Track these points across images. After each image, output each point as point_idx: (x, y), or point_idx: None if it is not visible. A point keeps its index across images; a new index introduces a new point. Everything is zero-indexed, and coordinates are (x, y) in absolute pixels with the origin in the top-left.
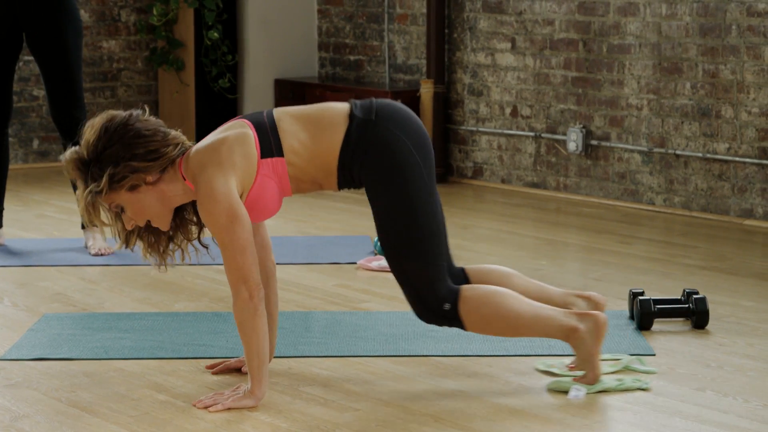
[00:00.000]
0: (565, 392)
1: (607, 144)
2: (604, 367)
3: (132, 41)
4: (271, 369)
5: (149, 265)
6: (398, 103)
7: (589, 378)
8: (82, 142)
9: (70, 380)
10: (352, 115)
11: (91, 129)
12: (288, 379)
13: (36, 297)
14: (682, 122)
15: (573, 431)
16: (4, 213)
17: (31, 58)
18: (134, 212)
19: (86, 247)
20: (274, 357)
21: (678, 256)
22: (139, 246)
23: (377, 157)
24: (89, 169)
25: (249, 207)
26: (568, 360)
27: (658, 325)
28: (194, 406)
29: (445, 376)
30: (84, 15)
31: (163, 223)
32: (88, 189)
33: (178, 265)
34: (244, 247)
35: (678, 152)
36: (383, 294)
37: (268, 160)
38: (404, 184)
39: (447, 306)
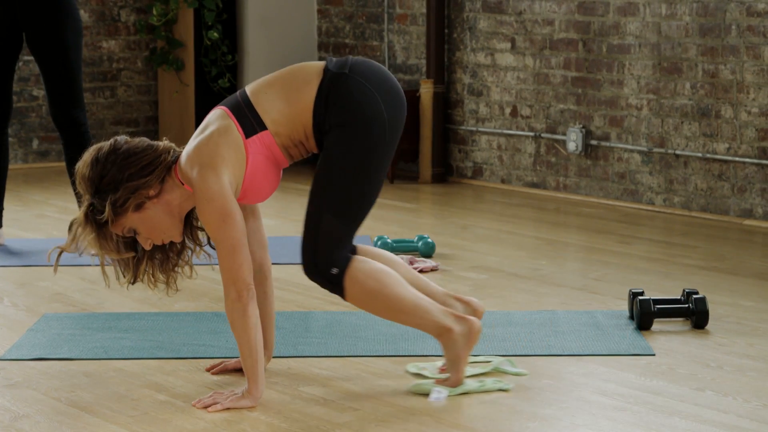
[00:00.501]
0: (426, 394)
1: (607, 144)
2: (475, 368)
3: (132, 41)
4: (271, 369)
5: (158, 290)
6: (375, 62)
7: (452, 381)
8: (78, 182)
9: (69, 380)
10: (326, 70)
11: (83, 166)
12: (287, 378)
13: (36, 297)
14: (682, 122)
15: (572, 431)
16: (4, 213)
17: (30, 58)
18: (147, 231)
19: None
20: (274, 357)
21: (678, 256)
22: (145, 278)
23: (345, 107)
24: (92, 201)
25: (249, 187)
26: (439, 362)
27: (657, 325)
28: (193, 406)
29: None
30: (84, 15)
31: (177, 234)
32: (96, 222)
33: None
34: (234, 246)
35: (678, 152)
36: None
37: (254, 137)
38: (366, 139)
39: (335, 270)
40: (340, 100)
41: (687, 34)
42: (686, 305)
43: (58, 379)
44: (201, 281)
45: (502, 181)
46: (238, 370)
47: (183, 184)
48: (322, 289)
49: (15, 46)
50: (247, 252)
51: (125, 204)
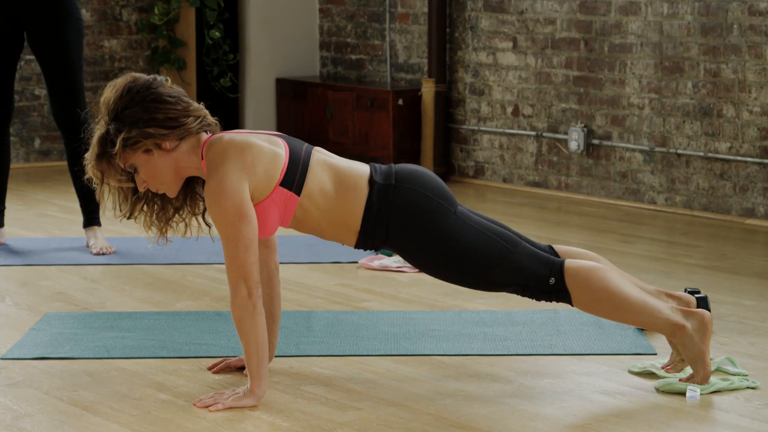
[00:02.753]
0: (677, 393)
1: (609, 143)
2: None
3: (133, 40)
4: (273, 368)
5: (150, 237)
6: (416, 166)
7: (701, 377)
8: (102, 100)
9: (71, 379)
10: (372, 181)
11: (112, 88)
12: (289, 378)
13: (37, 296)
14: (684, 121)
15: (573, 431)
16: (6, 212)
17: (32, 57)
18: (146, 174)
19: (88, 246)
20: (276, 356)
21: (679, 255)
22: (141, 217)
23: (402, 218)
24: (108, 126)
25: None
26: (659, 361)
27: None
28: (195, 405)
29: (447, 376)
30: (85, 14)
31: (171, 190)
32: (104, 149)
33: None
34: (247, 245)
35: (679, 151)
36: (384, 293)
37: (285, 191)
38: (434, 225)
39: (552, 280)
40: (394, 212)
41: (689, 33)
42: None
43: (60, 378)
44: (202, 280)
45: (504, 181)
46: (240, 369)
47: (202, 158)
48: (324, 289)
49: (16, 45)
50: (257, 251)
51: (135, 145)
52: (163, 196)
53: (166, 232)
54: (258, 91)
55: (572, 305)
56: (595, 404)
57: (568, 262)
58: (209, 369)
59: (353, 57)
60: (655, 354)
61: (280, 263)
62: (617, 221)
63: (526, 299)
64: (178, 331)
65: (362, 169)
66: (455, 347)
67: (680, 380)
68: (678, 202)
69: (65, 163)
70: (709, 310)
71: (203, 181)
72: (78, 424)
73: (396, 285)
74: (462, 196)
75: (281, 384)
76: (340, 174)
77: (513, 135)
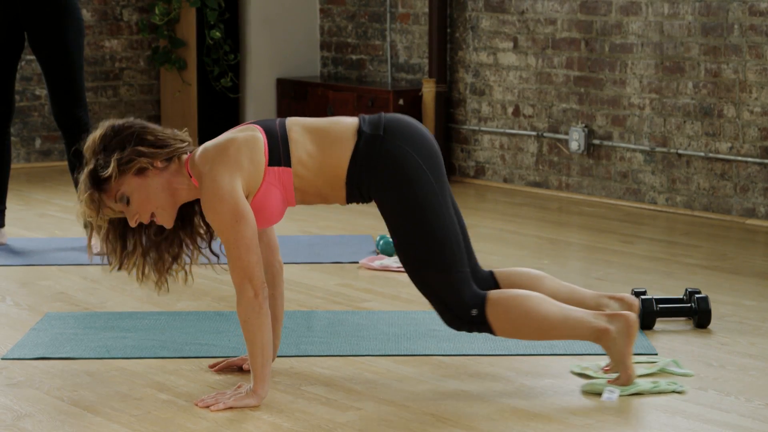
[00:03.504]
0: (599, 394)
1: (610, 143)
2: (639, 369)
3: (134, 40)
4: (273, 368)
5: (149, 287)
6: (406, 117)
7: (623, 379)
8: (86, 147)
9: (72, 379)
10: (360, 131)
11: (97, 129)
12: (290, 378)
13: (38, 296)
14: (684, 122)
15: (575, 431)
16: (6, 212)
17: (32, 57)
18: (140, 201)
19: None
20: (277, 356)
21: (680, 255)
22: (134, 270)
23: (386, 172)
24: (96, 159)
25: (254, 212)
26: (603, 362)
27: (660, 324)
28: (196, 405)
29: (448, 376)
30: (86, 14)
31: (168, 217)
32: (95, 177)
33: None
34: (249, 245)
35: (680, 151)
36: (385, 293)
37: (275, 168)
38: (414, 196)
39: (474, 312)
40: (380, 165)
41: (689, 33)
42: (689, 305)
43: (61, 378)
44: (203, 280)
45: (505, 181)
46: (241, 368)
47: (190, 176)
48: (324, 289)
49: (17, 45)
50: (259, 251)
51: (129, 164)
52: (158, 245)
53: (163, 282)
54: (259, 91)
55: (495, 335)
56: (596, 404)
57: (491, 294)
58: (210, 367)
59: (354, 57)
60: (656, 354)
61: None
62: (618, 221)
63: None
64: (179, 331)
65: (349, 121)
66: (456, 347)
67: (608, 381)
68: (678, 202)
69: (66, 163)
70: (709, 310)
71: (200, 212)
72: (78, 424)
73: (397, 285)
74: (463, 196)
75: (282, 384)
76: (322, 131)
77: (513, 135)
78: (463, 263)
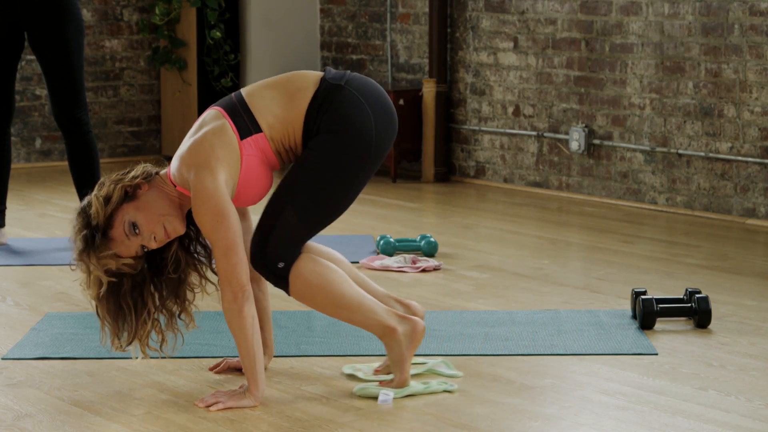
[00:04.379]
0: (373, 397)
1: (610, 143)
2: (410, 369)
3: (134, 40)
4: (273, 368)
5: (150, 356)
6: (372, 80)
7: (397, 382)
8: (72, 238)
9: (72, 379)
10: (323, 79)
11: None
12: (290, 378)
13: (38, 296)
14: (685, 121)
15: (575, 430)
16: (7, 212)
17: (33, 57)
18: (146, 218)
19: None
20: (276, 356)
21: (680, 255)
22: (137, 344)
23: (335, 115)
24: (82, 221)
25: (243, 189)
26: (376, 364)
27: (660, 324)
28: (196, 405)
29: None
30: (86, 14)
31: (178, 223)
32: (95, 228)
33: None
34: (229, 247)
35: (680, 151)
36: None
37: (248, 139)
38: (351, 148)
39: (281, 264)
40: (332, 109)
41: (690, 33)
42: (689, 304)
43: (61, 378)
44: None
45: (505, 181)
46: (240, 369)
47: (176, 186)
48: None
49: (17, 45)
50: (242, 252)
51: (112, 194)
52: (166, 304)
53: (166, 342)
54: None
55: (289, 294)
56: (596, 404)
57: (303, 255)
58: (210, 369)
59: (354, 57)
60: (656, 354)
61: None
62: (618, 221)
63: (528, 299)
64: (179, 331)
65: (312, 73)
66: (456, 347)
67: (379, 383)
68: (679, 202)
69: (66, 163)
70: (709, 310)
71: (197, 240)
72: (79, 424)
73: (397, 285)
74: (463, 196)
75: (282, 384)
76: (281, 85)
77: (514, 135)
78: (314, 233)
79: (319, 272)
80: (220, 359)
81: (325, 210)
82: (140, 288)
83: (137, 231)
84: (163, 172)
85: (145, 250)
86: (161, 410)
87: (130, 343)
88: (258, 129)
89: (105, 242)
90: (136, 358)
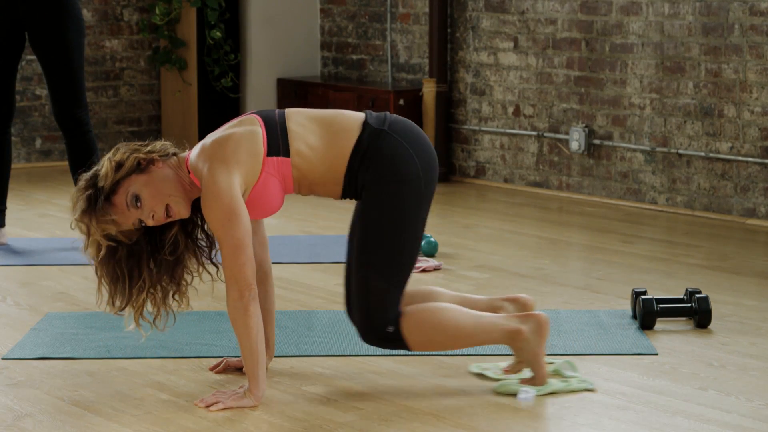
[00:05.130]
0: (513, 394)
1: (610, 143)
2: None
3: (134, 40)
4: (273, 368)
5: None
6: (411, 122)
7: (537, 379)
8: (73, 196)
9: (72, 379)
10: (365, 123)
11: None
12: (290, 378)
13: (39, 296)
14: (685, 121)
15: (575, 430)
16: (7, 212)
17: (33, 57)
18: (150, 195)
19: None
20: (277, 356)
21: (681, 255)
22: (131, 311)
23: (383, 165)
24: (93, 182)
25: (252, 203)
26: (502, 363)
27: (660, 324)
28: (196, 405)
29: (448, 375)
30: (86, 14)
31: (183, 206)
32: (100, 189)
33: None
34: (238, 246)
35: (680, 151)
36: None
37: (274, 158)
38: (403, 197)
39: (391, 329)
40: (379, 158)
41: (690, 33)
42: (689, 304)
43: (61, 378)
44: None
45: (505, 181)
46: (240, 369)
47: (190, 173)
48: (325, 288)
49: (17, 45)
50: (250, 252)
51: (125, 162)
52: (162, 280)
53: (161, 314)
54: (259, 92)
55: (410, 350)
56: (597, 404)
57: (405, 310)
58: (211, 369)
59: (354, 57)
60: (656, 354)
61: (282, 263)
62: (618, 221)
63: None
64: (179, 331)
65: (354, 114)
66: None
67: (520, 381)
68: (679, 202)
69: (66, 163)
70: (709, 310)
71: (200, 220)
72: (79, 424)
73: None
74: (463, 196)
75: (282, 384)
76: (326, 120)
77: (514, 135)
78: (404, 285)
79: (427, 318)
80: (220, 359)
81: (403, 261)
82: (137, 259)
83: (138, 204)
84: (182, 155)
85: (142, 224)
86: (161, 410)
87: (123, 308)
88: (287, 153)
89: (107, 206)
90: (130, 327)
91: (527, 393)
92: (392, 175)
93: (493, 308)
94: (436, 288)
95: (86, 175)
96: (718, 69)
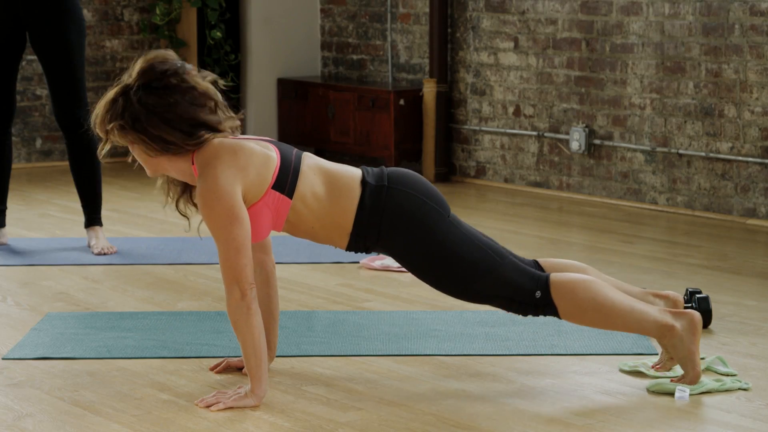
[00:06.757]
0: (668, 394)
1: (610, 143)
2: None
3: (135, 40)
4: (274, 368)
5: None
6: (408, 170)
7: (691, 377)
8: (139, 68)
9: (73, 379)
10: (364, 182)
11: (158, 54)
12: (291, 378)
13: (39, 296)
14: (685, 121)
15: (576, 431)
16: (7, 212)
17: (34, 57)
18: (144, 164)
19: (89, 246)
20: (277, 356)
21: (681, 255)
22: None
23: (393, 218)
24: (127, 92)
25: None
26: (650, 360)
27: None
28: (196, 405)
29: (448, 376)
30: (87, 14)
31: (175, 177)
32: (122, 117)
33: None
34: (239, 248)
35: (681, 151)
36: (386, 293)
37: (277, 194)
38: (425, 228)
39: (538, 294)
40: (387, 213)
41: (690, 33)
42: (689, 304)
43: (62, 378)
44: (203, 280)
45: (505, 181)
46: (241, 369)
47: (192, 164)
48: (325, 289)
49: (18, 45)
50: (250, 253)
51: (149, 143)
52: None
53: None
54: (259, 92)
55: (560, 317)
56: (597, 404)
57: (554, 276)
58: (211, 369)
59: (354, 57)
60: (657, 354)
61: (282, 263)
62: (618, 221)
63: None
64: (180, 331)
65: (354, 171)
66: (457, 347)
67: (671, 380)
68: (679, 202)
69: (67, 163)
70: (710, 311)
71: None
72: (79, 424)
73: (397, 285)
74: (463, 196)
75: (282, 384)
76: (331, 177)
77: (514, 135)
78: (502, 254)
79: (581, 289)
80: (221, 359)
81: (470, 254)
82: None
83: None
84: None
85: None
86: (162, 410)
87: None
88: (291, 194)
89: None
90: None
91: (683, 392)
92: (403, 221)
93: (643, 300)
94: (588, 267)
95: (121, 89)
96: (718, 69)
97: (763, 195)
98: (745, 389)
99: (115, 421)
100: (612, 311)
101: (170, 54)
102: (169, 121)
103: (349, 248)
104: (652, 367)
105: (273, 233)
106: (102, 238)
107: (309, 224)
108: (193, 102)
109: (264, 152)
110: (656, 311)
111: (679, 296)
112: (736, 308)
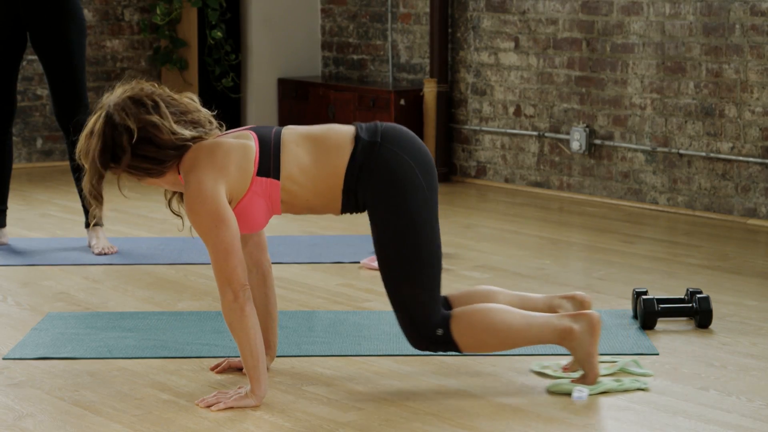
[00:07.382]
0: (566, 394)
1: (611, 143)
2: (601, 369)
3: (135, 40)
4: (275, 368)
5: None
6: (403, 127)
7: (589, 378)
8: (109, 105)
9: (73, 379)
10: (357, 137)
11: (117, 92)
12: (291, 378)
13: (39, 296)
14: (686, 121)
15: (576, 431)
16: (8, 212)
17: (34, 57)
18: (140, 178)
19: (89, 246)
20: (277, 356)
21: (681, 255)
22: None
23: (381, 178)
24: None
25: (237, 218)
26: (563, 361)
27: (661, 324)
28: (197, 405)
29: (449, 376)
30: (87, 14)
31: (164, 187)
32: (108, 159)
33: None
34: (228, 250)
35: (681, 151)
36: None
37: (263, 179)
38: (407, 208)
39: (440, 332)
40: (376, 172)
41: (691, 33)
42: (690, 304)
43: (62, 378)
44: (204, 280)
45: (506, 181)
46: (241, 369)
47: (178, 173)
48: (325, 289)
49: (19, 45)
50: (240, 254)
51: (132, 170)
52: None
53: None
54: (260, 92)
55: (461, 353)
56: (598, 404)
57: (454, 312)
58: (211, 369)
59: (355, 57)
60: (657, 354)
61: (282, 263)
62: (619, 221)
63: None
64: (180, 331)
65: (345, 129)
66: None
67: (572, 380)
68: (680, 202)
69: (67, 163)
70: (710, 310)
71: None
72: (80, 424)
73: None
74: (464, 196)
75: (283, 384)
76: (317, 139)
77: (515, 135)
78: (438, 284)
79: (477, 320)
80: (222, 359)
81: (426, 264)
82: None
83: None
84: None
85: None
86: (162, 410)
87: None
88: (277, 176)
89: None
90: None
91: (581, 392)
92: (392, 187)
93: (550, 306)
94: (493, 288)
95: (108, 125)
96: (719, 69)
97: (763, 195)
98: (643, 389)
99: (116, 421)
100: (510, 333)
101: (145, 86)
102: (149, 158)
103: (343, 210)
104: (564, 368)
105: (272, 233)
106: (102, 238)
107: (303, 198)
108: (171, 132)
109: (241, 144)
110: (554, 318)
111: (587, 296)
112: (736, 308)
